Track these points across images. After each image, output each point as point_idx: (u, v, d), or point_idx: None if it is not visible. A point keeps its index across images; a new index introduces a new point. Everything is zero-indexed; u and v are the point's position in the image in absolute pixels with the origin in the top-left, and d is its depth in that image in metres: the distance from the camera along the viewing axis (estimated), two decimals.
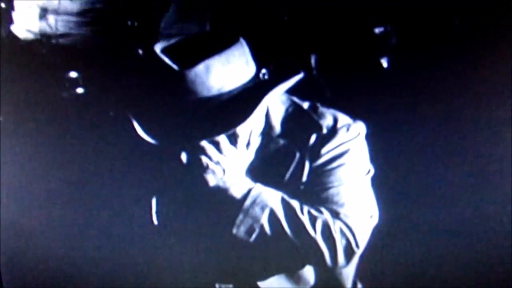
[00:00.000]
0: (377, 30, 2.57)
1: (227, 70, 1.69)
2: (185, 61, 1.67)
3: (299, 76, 1.75)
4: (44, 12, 2.19)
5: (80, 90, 2.11)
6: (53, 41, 2.24)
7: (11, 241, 2.10)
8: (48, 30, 2.20)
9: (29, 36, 2.23)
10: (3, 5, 2.22)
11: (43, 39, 2.24)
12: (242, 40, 1.75)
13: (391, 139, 2.25)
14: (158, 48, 1.73)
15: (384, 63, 2.56)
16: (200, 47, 1.72)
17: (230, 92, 1.70)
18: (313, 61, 2.61)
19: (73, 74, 2.11)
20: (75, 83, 2.11)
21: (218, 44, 1.71)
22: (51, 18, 2.19)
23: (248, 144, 1.80)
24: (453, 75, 2.38)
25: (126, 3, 2.26)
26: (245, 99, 1.69)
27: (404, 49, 2.54)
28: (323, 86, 2.58)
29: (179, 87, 1.67)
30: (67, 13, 2.19)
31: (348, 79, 2.52)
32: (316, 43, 2.59)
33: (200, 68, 1.67)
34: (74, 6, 2.18)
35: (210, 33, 2.12)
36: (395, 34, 2.57)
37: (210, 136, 1.71)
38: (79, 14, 2.18)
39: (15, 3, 2.21)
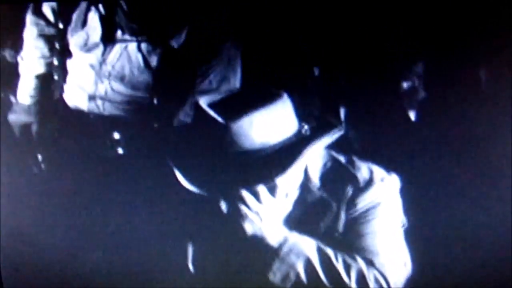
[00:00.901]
0: (405, 85, 2.61)
1: (270, 124, 1.76)
2: (230, 114, 1.75)
3: (340, 133, 1.83)
4: (92, 97, 2.28)
5: (121, 151, 2.18)
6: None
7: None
8: (95, 110, 2.29)
9: (77, 109, 2.32)
10: (56, 77, 2.32)
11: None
12: (285, 96, 1.82)
13: (424, 191, 2.28)
14: (203, 102, 1.81)
15: (412, 116, 2.60)
16: (245, 102, 1.79)
17: (272, 145, 1.76)
18: (342, 114, 2.65)
19: (116, 135, 2.19)
20: (117, 143, 2.18)
21: (262, 99, 1.78)
22: (98, 101, 2.28)
23: (286, 195, 1.86)
24: (481, 127, 2.41)
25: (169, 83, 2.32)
26: (286, 153, 1.76)
27: (431, 103, 2.58)
28: (353, 139, 2.63)
29: (223, 139, 1.74)
30: (114, 101, 2.28)
31: (377, 133, 2.56)
32: (345, 97, 2.64)
33: (245, 121, 1.74)
34: (120, 97, 2.27)
35: (254, 88, 2.18)
36: (423, 88, 2.61)
37: (250, 186, 1.78)
38: (124, 102, 2.27)
39: (68, 79, 2.31)
